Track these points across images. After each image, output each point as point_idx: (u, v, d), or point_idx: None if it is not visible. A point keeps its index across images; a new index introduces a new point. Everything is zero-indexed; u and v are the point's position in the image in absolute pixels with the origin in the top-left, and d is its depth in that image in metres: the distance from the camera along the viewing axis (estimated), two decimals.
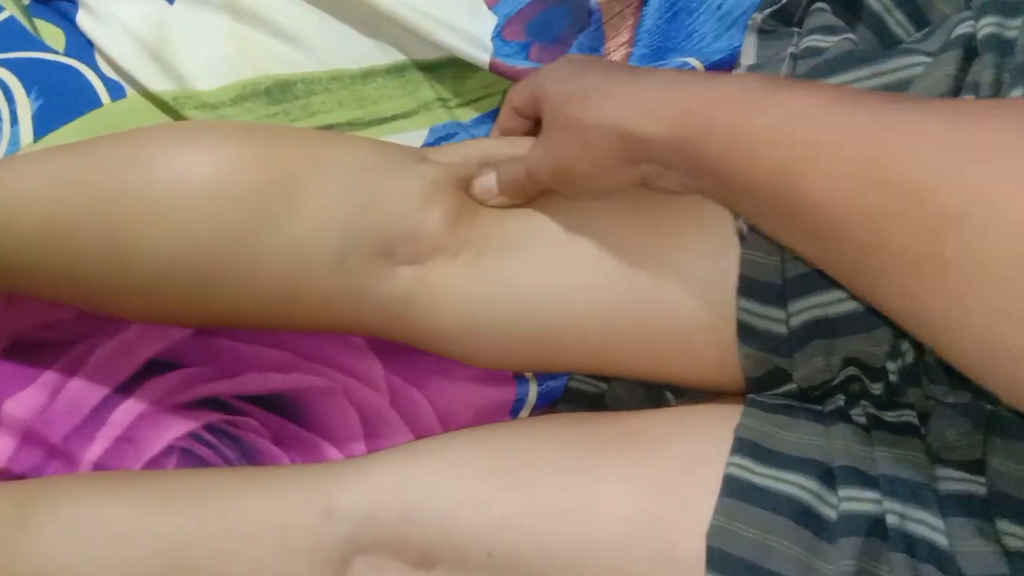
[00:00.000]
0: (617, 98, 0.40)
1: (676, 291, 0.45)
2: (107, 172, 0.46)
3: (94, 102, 0.61)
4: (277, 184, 0.45)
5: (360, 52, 0.61)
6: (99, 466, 0.54)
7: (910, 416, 0.43)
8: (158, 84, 0.59)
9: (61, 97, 0.60)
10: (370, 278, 0.46)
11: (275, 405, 0.56)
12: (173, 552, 0.43)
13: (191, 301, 0.48)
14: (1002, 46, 0.40)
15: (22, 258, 0.47)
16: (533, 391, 0.55)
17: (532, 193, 0.46)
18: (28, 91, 0.61)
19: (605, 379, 0.54)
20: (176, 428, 0.55)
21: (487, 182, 0.47)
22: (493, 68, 0.56)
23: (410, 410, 0.55)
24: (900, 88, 0.42)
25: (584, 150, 0.41)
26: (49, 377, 0.56)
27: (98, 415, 0.55)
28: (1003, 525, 0.37)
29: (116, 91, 0.61)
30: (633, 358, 0.47)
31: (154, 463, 0.54)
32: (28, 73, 0.61)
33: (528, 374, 0.55)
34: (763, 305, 0.43)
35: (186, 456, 0.54)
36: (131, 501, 0.45)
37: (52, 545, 0.43)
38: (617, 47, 0.58)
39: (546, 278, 0.46)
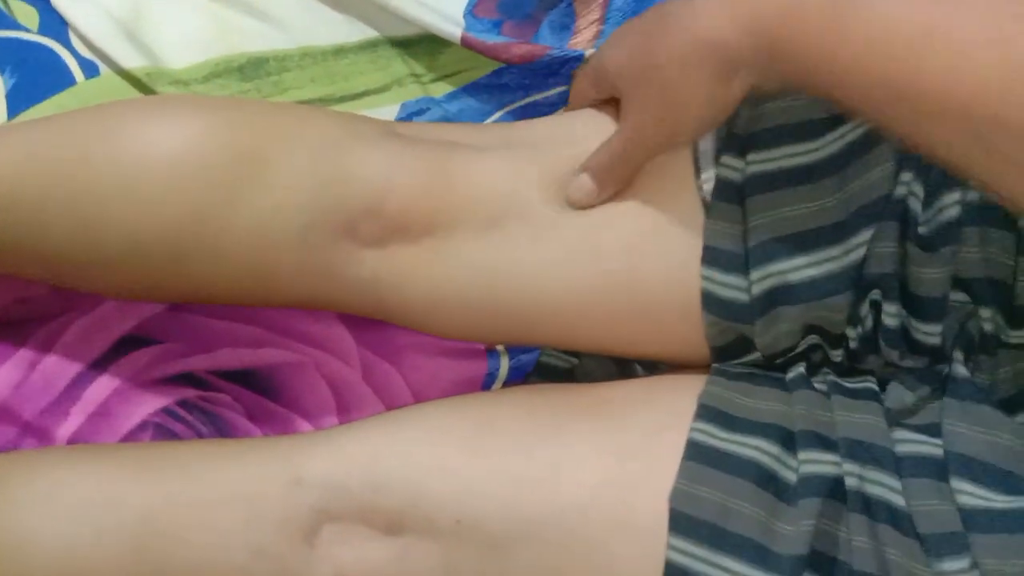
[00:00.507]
0: (678, 26, 0.39)
1: (645, 266, 0.45)
2: (74, 146, 0.46)
3: (68, 80, 0.61)
4: (242, 160, 0.45)
5: (332, 28, 0.61)
6: (73, 441, 0.54)
7: (870, 382, 0.43)
8: (131, 62, 0.59)
9: (35, 75, 0.60)
10: (336, 257, 0.46)
11: (248, 380, 0.56)
12: (143, 521, 0.43)
13: (160, 276, 0.48)
14: None
15: None
16: (505, 365, 0.55)
17: (630, 174, 0.45)
18: (1, 70, 0.61)
19: (576, 354, 0.55)
20: (150, 404, 0.55)
21: (582, 182, 0.45)
22: (465, 43, 0.56)
23: (383, 384, 0.55)
24: None
25: (675, 92, 0.41)
26: (23, 354, 0.56)
27: (72, 391, 0.55)
28: (957, 483, 0.38)
29: (90, 69, 0.61)
30: (604, 333, 0.48)
31: (129, 438, 0.55)
32: (1, 52, 0.61)
33: (500, 348, 0.56)
34: (725, 273, 0.43)
35: (160, 431, 0.55)
36: (102, 472, 0.45)
37: (23, 515, 0.43)
38: (588, 24, 0.59)
39: (516, 257, 0.46)
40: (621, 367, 0.53)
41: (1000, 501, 0.37)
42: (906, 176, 0.40)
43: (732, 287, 0.44)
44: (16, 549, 0.43)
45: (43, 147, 0.46)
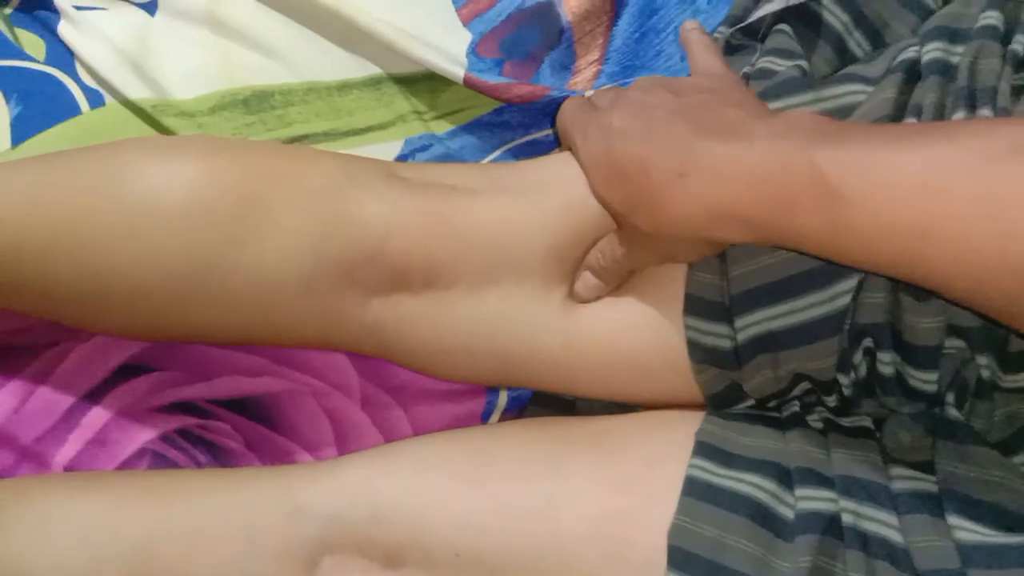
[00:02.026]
0: (664, 213, 0.40)
1: (632, 316, 0.46)
2: (78, 192, 0.46)
3: (73, 110, 0.61)
4: (245, 207, 0.45)
5: (337, 65, 0.62)
6: (71, 468, 0.54)
7: (866, 421, 0.44)
8: (137, 92, 0.60)
9: (40, 104, 0.61)
10: (339, 303, 0.47)
11: (247, 409, 0.56)
12: (141, 551, 0.43)
13: (164, 320, 0.48)
14: (946, 70, 0.42)
15: None
16: (503, 397, 0.56)
17: (632, 271, 0.47)
18: (7, 98, 0.61)
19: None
20: (148, 432, 0.55)
21: (587, 280, 0.47)
22: (467, 83, 0.58)
23: (382, 416, 0.56)
24: (843, 113, 0.44)
25: (669, 243, 0.43)
26: (22, 380, 0.56)
27: (70, 418, 0.55)
28: (954, 520, 0.39)
29: (95, 99, 0.62)
30: (598, 380, 0.49)
31: (126, 465, 0.55)
32: (7, 80, 0.62)
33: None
34: (709, 322, 0.45)
35: (158, 459, 0.55)
36: (100, 500, 0.45)
37: (19, 543, 0.43)
38: (588, 64, 0.60)
39: (513, 309, 0.47)
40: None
41: (996, 536, 0.38)
42: None
43: (715, 335, 0.45)
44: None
45: (49, 191, 0.46)
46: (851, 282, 0.41)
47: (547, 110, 0.57)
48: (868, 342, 0.42)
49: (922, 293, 0.41)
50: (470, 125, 0.60)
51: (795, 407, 0.45)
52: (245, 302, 0.46)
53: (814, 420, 0.45)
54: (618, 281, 0.46)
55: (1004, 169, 0.31)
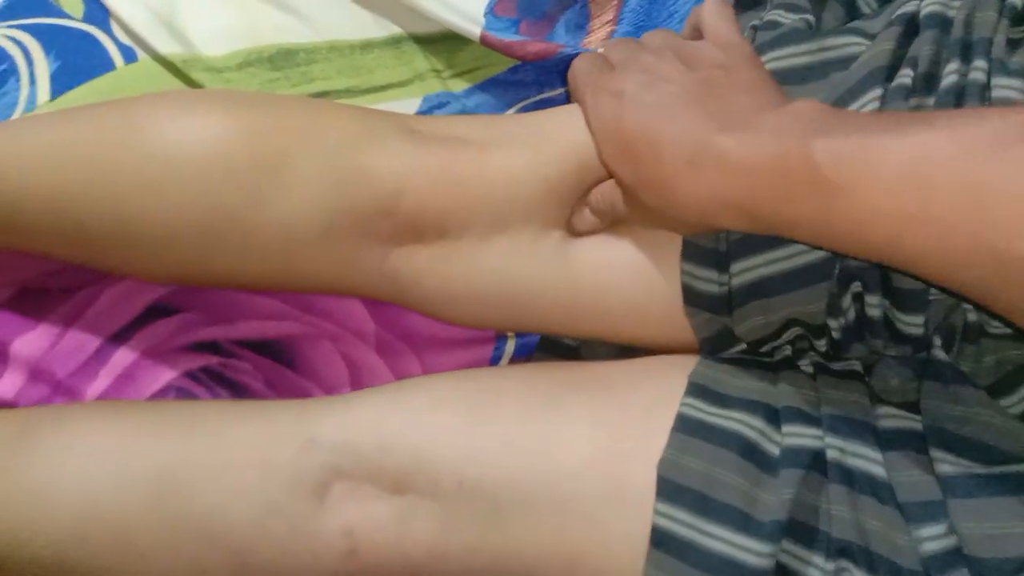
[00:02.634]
0: (682, 193, 0.41)
1: (633, 263, 0.48)
2: (107, 145, 0.48)
3: (108, 65, 0.64)
4: (266, 160, 0.47)
5: (360, 25, 0.64)
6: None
7: (855, 365, 0.46)
8: (168, 48, 0.62)
9: (77, 60, 0.64)
10: (356, 252, 0.49)
11: (268, 351, 0.59)
12: (160, 473, 0.45)
13: (189, 265, 0.50)
14: (943, 23, 0.43)
15: (32, 221, 0.50)
16: (511, 344, 0.58)
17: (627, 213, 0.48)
18: (47, 53, 0.64)
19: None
20: (174, 369, 0.58)
21: (585, 216, 0.49)
22: (484, 41, 0.59)
23: (395, 361, 0.58)
24: (843, 64, 0.45)
25: (671, 219, 0.44)
26: (54, 321, 0.59)
27: (101, 355, 0.58)
28: (936, 453, 0.40)
29: (129, 55, 0.64)
30: (602, 322, 0.50)
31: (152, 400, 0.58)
32: (47, 37, 0.64)
33: (508, 332, 0.58)
34: (704, 268, 0.46)
35: (182, 395, 0.58)
36: (124, 426, 0.48)
37: (48, 463, 0.46)
38: (602, 24, 0.62)
39: (522, 256, 0.49)
40: (624, 346, 0.56)
41: (978, 468, 0.39)
42: None
43: (709, 281, 0.46)
44: (39, 494, 0.45)
45: (80, 144, 0.49)
46: None
47: (560, 67, 0.59)
48: (857, 286, 0.43)
49: None
50: (486, 83, 0.62)
51: (786, 352, 0.47)
52: (266, 251, 0.49)
53: (804, 365, 0.47)
54: (615, 218, 0.48)
55: (985, 160, 0.32)
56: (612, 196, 0.47)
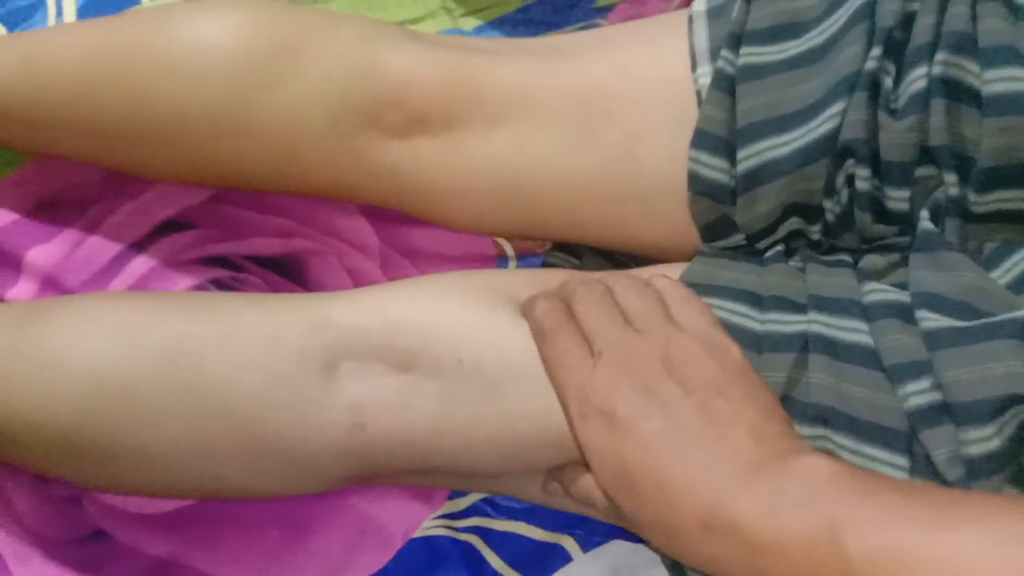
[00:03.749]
0: (695, 552, 0.39)
1: (641, 153, 0.50)
2: (133, 34, 0.52)
3: (134, 1, 0.67)
4: (280, 50, 0.50)
5: None
6: None
7: (845, 256, 0.47)
8: None
9: None
10: (361, 144, 0.51)
11: (276, 266, 0.61)
12: (172, 343, 0.46)
13: (202, 154, 0.53)
14: None
15: (56, 113, 0.53)
16: (513, 264, 0.60)
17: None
18: None
19: (578, 256, 0.59)
20: (185, 280, 0.60)
21: (555, 488, 0.47)
22: None
23: (398, 275, 0.60)
24: None
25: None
26: (70, 232, 0.61)
27: (114, 266, 0.60)
28: (922, 313, 0.41)
29: None
30: (603, 220, 0.52)
31: None
32: None
33: (509, 253, 0.60)
34: (711, 156, 0.48)
35: None
36: (135, 305, 0.49)
37: (62, 334, 0.47)
38: None
39: (525, 148, 0.51)
40: (620, 269, 0.57)
41: (961, 323, 0.40)
42: (876, 51, 0.45)
43: (716, 169, 0.48)
44: (54, 364, 0.46)
45: (105, 36, 0.52)
46: (840, 104, 0.45)
47: (568, 3, 0.62)
48: (850, 165, 0.45)
49: (897, 110, 0.44)
50: (496, 21, 0.65)
51: (779, 248, 0.49)
52: (275, 138, 0.51)
53: (795, 261, 0.48)
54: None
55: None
56: (592, 495, 0.44)
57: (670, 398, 0.40)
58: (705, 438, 0.39)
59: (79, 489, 0.55)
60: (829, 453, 0.39)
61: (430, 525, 0.55)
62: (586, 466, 0.43)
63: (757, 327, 0.44)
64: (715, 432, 0.39)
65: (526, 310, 0.47)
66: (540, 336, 0.45)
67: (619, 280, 0.47)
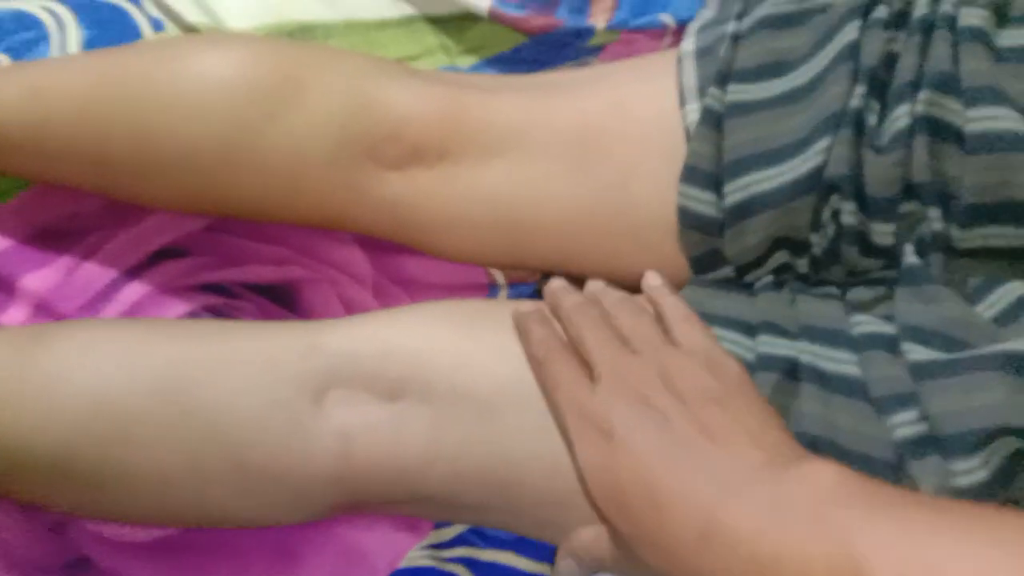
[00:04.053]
0: (694, 568, 0.37)
1: (633, 188, 0.51)
2: (138, 66, 0.53)
3: (136, 35, 0.68)
4: (284, 85, 0.52)
5: (376, 6, 0.68)
6: None
7: (832, 289, 0.48)
8: (194, 18, 0.67)
9: (107, 29, 0.68)
10: (360, 176, 0.52)
11: (270, 293, 0.61)
12: (169, 372, 0.47)
13: (205, 184, 0.54)
14: None
15: (59, 144, 0.54)
16: (503, 295, 0.60)
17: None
18: (79, 22, 0.68)
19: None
20: (179, 307, 0.60)
21: (565, 566, 0.45)
22: (492, 15, 0.64)
23: (391, 304, 0.60)
24: (823, 10, 0.49)
25: None
26: (66, 259, 0.61)
27: (109, 292, 0.60)
28: (907, 346, 0.42)
29: (157, 25, 0.68)
30: (595, 252, 0.53)
31: None
32: (82, 9, 0.69)
33: (500, 282, 0.61)
34: (700, 190, 0.49)
35: None
36: (136, 332, 0.50)
37: (61, 359, 0.47)
38: (602, 11, 0.66)
39: (519, 181, 0.52)
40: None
41: (946, 355, 0.41)
42: (860, 90, 0.46)
43: (705, 202, 0.49)
44: (53, 389, 0.46)
45: (112, 68, 0.54)
46: (826, 141, 0.46)
47: (561, 42, 0.63)
48: (836, 200, 0.46)
49: (881, 147, 0.45)
50: (491, 60, 0.66)
51: (768, 278, 0.49)
52: (276, 170, 0.52)
53: (785, 293, 0.49)
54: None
55: None
56: (598, 551, 0.43)
57: (665, 408, 0.40)
58: (701, 447, 0.38)
59: (64, 515, 0.55)
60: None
61: (416, 555, 0.54)
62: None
63: (747, 355, 0.45)
64: (711, 441, 0.38)
65: (521, 333, 0.47)
66: (536, 362, 0.45)
67: (613, 299, 0.47)
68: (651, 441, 0.39)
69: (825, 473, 0.35)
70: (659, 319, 0.45)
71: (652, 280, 0.50)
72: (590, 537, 0.43)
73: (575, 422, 0.42)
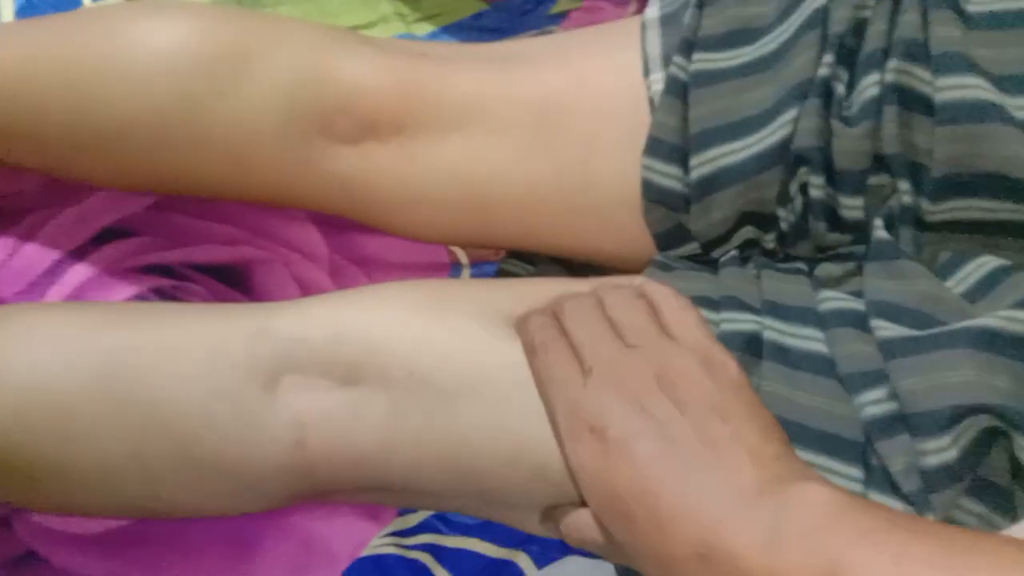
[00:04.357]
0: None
1: (595, 162, 0.49)
2: (76, 37, 0.50)
3: (75, 2, 0.65)
4: (228, 55, 0.49)
5: None
6: None
7: (799, 265, 0.47)
8: None
9: None
10: (312, 151, 0.50)
11: (221, 275, 0.59)
12: (110, 356, 0.44)
13: (147, 161, 0.51)
14: None
15: None
16: (466, 274, 0.58)
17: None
18: None
19: (533, 263, 0.58)
20: (126, 290, 0.58)
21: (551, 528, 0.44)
22: None
23: (348, 284, 0.58)
24: None
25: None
26: (5, 240, 0.58)
27: (51, 275, 0.58)
28: (876, 322, 0.41)
29: None
30: (558, 229, 0.51)
31: None
32: None
33: (463, 261, 0.59)
34: (665, 163, 0.47)
35: None
36: (73, 318, 0.47)
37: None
38: None
39: (478, 156, 0.50)
40: (575, 276, 0.56)
41: (917, 332, 0.40)
42: (828, 58, 0.45)
43: (670, 176, 0.47)
44: None
45: (47, 39, 0.51)
46: (793, 112, 0.44)
47: (522, 10, 0.61)
48: (804, 173, 0.45)
49: (851, 119, 0.44)
50: (450, 27, 0.64)
51: (733, 253, 0.48)
52: (223, 144, 0.49)
53: (750, 268, 0.48)
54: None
55: None
56: (584, 531, 0.41)
57: (664, 417, 0.38)
58: (702, 461, 0.37)
59: (9, 509, 0.52)
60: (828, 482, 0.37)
61: (378, 543, 0.53)
62: (580, 502, 0.41)
63: (714, 330, 0.43)
64: (712, 455, 0.37)
65: (519, 326, 0.45)
66: (531, 351, 0.43)
67: (610, 291, 0.45)
68: (651, 451, 0.37)
69: (819, 495, 0.35)
70: (654, 309, 0.44)
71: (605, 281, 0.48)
72: (579, 518, 0.42)
73: (566, 420, 0.41)
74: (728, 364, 0.40)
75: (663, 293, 0.44)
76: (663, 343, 0.41)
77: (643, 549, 0.38)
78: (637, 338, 0.42)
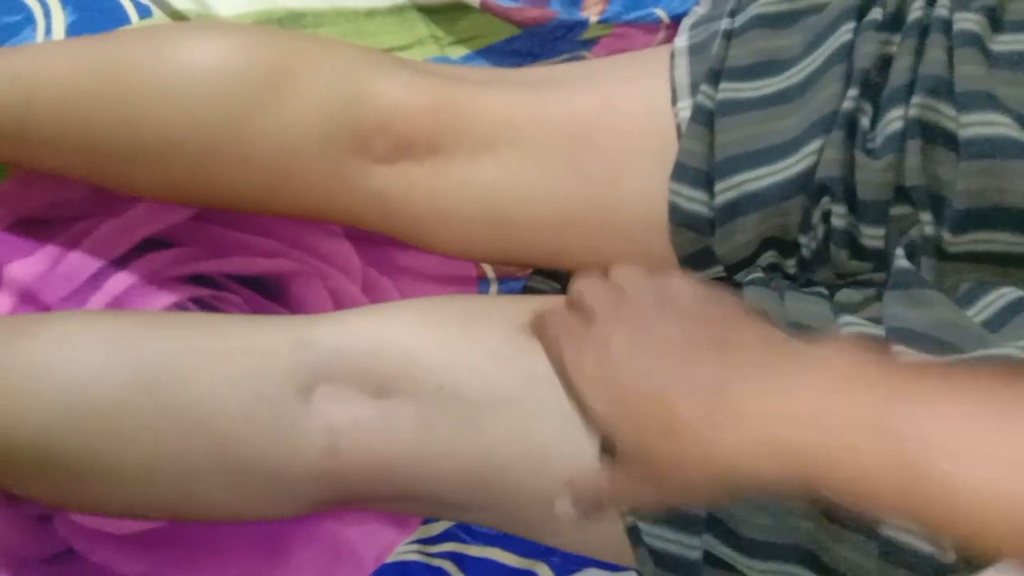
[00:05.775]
0: (697, 447, 0.36)
1: (624, 185, 0.51)
2: (125, 54, 0.53)
3: (123, 20, 0.67)
4: (272, 75, 0.51)
5: None
6: None
7: (820, 290, 0.48)
8: (182, 4, 0.66)
9: (93, 14, 0.67)
10: (349, 169, 0.52)
11: (258, 286, 0.61)
12: (155, 362, 0.46)
13: (191, 174, 0.53)
14: None
15: (43, 130, 0.53)
16: (494, 290, 0.60)
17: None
18: (64, 6, 0.67)
19: (560, 280, 0.60)
20: (165, 298, 0.60)
21: (563, 505, 0.42)
22: (484, 6, 0.63)
23: (380, 297, 0.60)
24: (816, 10, 0.48)
25: (682, 487, 0.38)
26: (51, 248, 0.60)
27: (93, 282, 0.60)
28: (897, 349, 0.42)
29: (143, 11, 0.67)
30: (586, 249, 0.53)
31: None
32: None
33: (491, 275, 0.60)
34: (691, 188, 0.49)
35: None
36: (118, 323, 0.49)
37: (40, 349, 0.47)
38: (596, 2, 0.66)
39: (510, 177, 0.51)
40: None
41: (935, 359, 0.41)
42: (853, 92, 0.46)
43: (696, 201, 0.49)
44: (32, 378, 0.46)
45: (97, 55, 0.53)
46: (818, 143, 0.46)
47: (554, 36, 0.63)
48: (826, 202, 0.46)
49: (874, 150, 0.45)
50: (483, 51, 0.65)
51: (757, 273, 0.49)
52: (264, 161, 0.51)
53: (772, 287, 0.49)
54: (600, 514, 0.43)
55: None
56: (598, 490, 0.42)
57: (667, 323, 0.39)
58: (709, 349, 0.37)
59: (49, 507, 0.54)
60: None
61: (403, 550, 0.54)
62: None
63: None
64: (719, 344, 0.37)
65: (535, 317, 0.46)
66: (549, 342, 0.45)
67: (628, 276, 0.45)
68: (651, 344, 0.38)
69: (842, 350, 0.34)
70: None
71: None
72: (590, 476, 0.42)
73: (573, 352, 0.42)
74: (727, 296, 0.41)
75: (681, 280, 0.44)
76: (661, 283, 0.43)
77: (654, 446, 0.37)
78: (635, 289, 0.43)
